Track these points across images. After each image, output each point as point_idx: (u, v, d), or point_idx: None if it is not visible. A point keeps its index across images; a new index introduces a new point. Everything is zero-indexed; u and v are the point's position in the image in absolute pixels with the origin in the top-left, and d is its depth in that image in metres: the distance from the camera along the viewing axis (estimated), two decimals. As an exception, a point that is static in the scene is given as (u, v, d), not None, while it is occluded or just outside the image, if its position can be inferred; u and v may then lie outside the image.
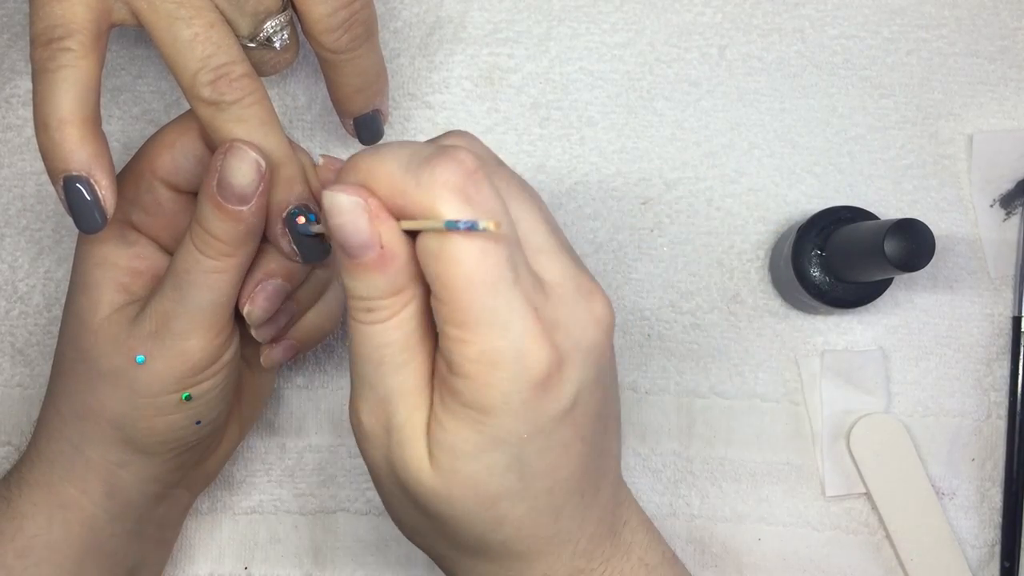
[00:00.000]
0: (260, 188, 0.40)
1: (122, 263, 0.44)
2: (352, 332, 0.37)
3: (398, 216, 0.35)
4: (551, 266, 0.36)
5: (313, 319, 0.47)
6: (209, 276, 0.42)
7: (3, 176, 0.55)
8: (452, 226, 0.33)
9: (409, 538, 0.42)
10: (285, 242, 0.42)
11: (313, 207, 0.42)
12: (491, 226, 0.32)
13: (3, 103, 0.55)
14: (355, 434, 0.39)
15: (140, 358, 0.43)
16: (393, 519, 0.42)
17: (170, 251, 0.45)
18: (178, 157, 0.44)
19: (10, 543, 0.44)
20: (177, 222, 0.45)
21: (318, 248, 0.43)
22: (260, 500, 0.54)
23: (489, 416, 0.35)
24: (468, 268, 0.34)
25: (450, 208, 0.33)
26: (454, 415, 0.36)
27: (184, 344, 0.42)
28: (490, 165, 0.36)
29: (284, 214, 0.42)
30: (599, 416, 0.38)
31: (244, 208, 0.40)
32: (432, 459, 0.36)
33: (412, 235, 0.35)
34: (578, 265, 0.38)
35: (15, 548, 0.44)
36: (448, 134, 0.38)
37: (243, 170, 0.40)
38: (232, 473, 0.54)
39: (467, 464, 0.36)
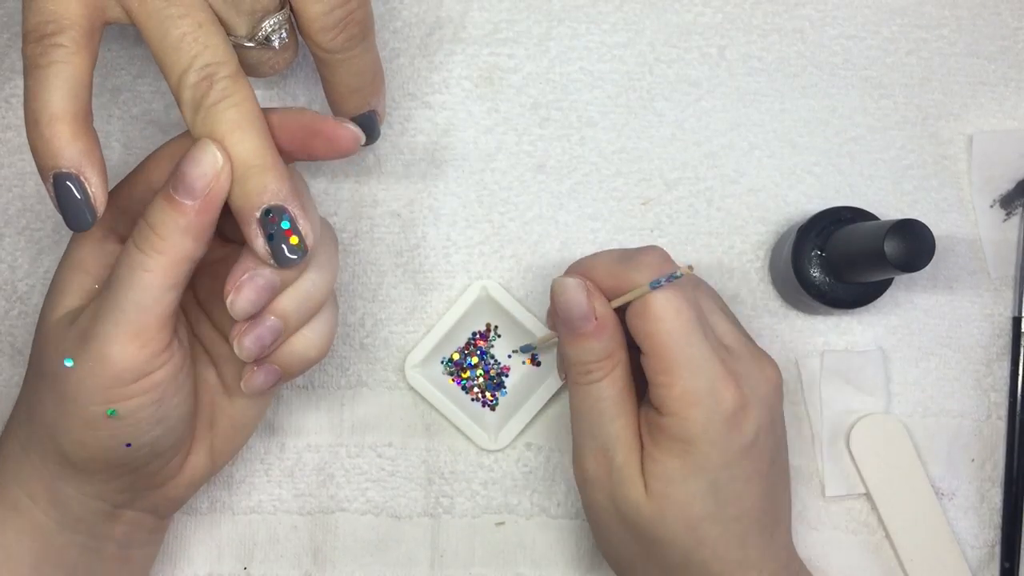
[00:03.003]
0: (210, 188, 0.39)
1: (93, 269, 0.44)
2: (574, 393, 0.47)
3: (609, 297, 0.45)
4: (733, 339, 0.47)
5: (299, 344, 0.45)
6: (135, 272, 0.40)
7: (3, 176, 0.55)
8: (656, 284, 0.43)
9: (617, 571, 0.50)
10: (259, 243, 0.41)
11: (291, 211, 0.41)
12: (685, 269, 0.42)
13: (3, 103, 0.55)
14: (579, 482, 0.48)
15: (68, 361, 0.41)
16: (606, 555, 0.50)
17: None
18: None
19: None
20: None
21: (292, 249, 0.41)
22: (259, 500, 0.54)
23: (692, 445, 0.44)
24: (668, 323, 0.44)
25: (652, 276, 0.43)
26: (663, 448, 0.45)
27: (106, 348, 0.40)
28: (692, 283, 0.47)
29: (258, 213, 0.40)
30: (773, 460, 0.46)
31: (188, 202, 0.39)
32: (648, 489, 0.45)
33: (618, 313, 0.45)
34: (749, 339, 0.48)
35: None
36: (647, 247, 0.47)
37: (199, 161, 0.39)
38: (231, 473, 0.54)
39: (676, 489, 0.44)
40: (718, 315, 0.47)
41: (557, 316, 0.46)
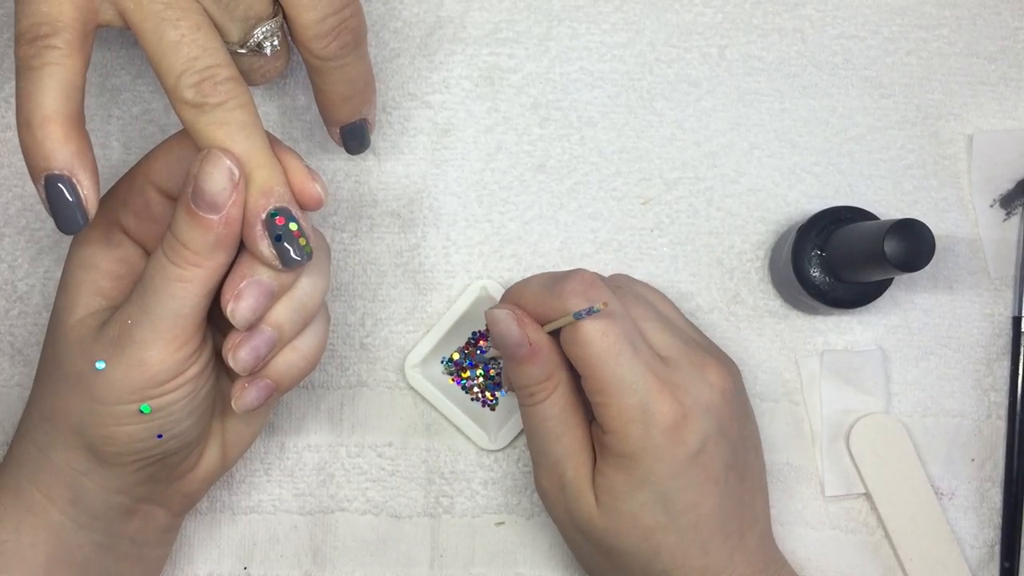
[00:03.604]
0: (232, 198, 0.40)
1: (103, 266, 0.44)
2: (523, 415, 0.48)
3: (542, 323, 0.47)
4: (669, 349, 0.47)
5: (292, 355, 0.45)
6: (173, 284, 0.41)
7: (3, 176, 0.55)
8: (578, 316, 0.44)
9: None
10: (264, 245, 0.41)
11: (295, 211, 0.41)
12: (601, 305, 0.44)
13: (3, 103, 0.55)
14: (541, 498, 0.49)
15: (100, 364, 0.42)
16: (581, 565, 0.50)
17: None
18: (172, 162, 0.44)
19: None
20: (166, 229, 0.44)
21: (299, 251, 0.41)
22: (259, 500, 0.54)
23: (634, 460, 0.45)
24: (595, 345, 0.44)
25: (576, 305, 0.45)
26: (610, 464, 0.46)
27: (143, 354, 0.41)
28: (610, 283, 0.49)
29: (263, 215, 0.40)
30: (729, 466, 0.46)
31: (215, 217, 0.40)
32: (599, 503, 0.46)
33: (555, 335, 0.46)
34: (692, 346, 0.47)
35: None
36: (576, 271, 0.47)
37: (215, 177, 0.39)
38: (231, 473, 0.54)
39: (624, 502, 0.45)
40: (654, 326, 0.48)
41: (496, 344, 0.47)
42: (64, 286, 0.44)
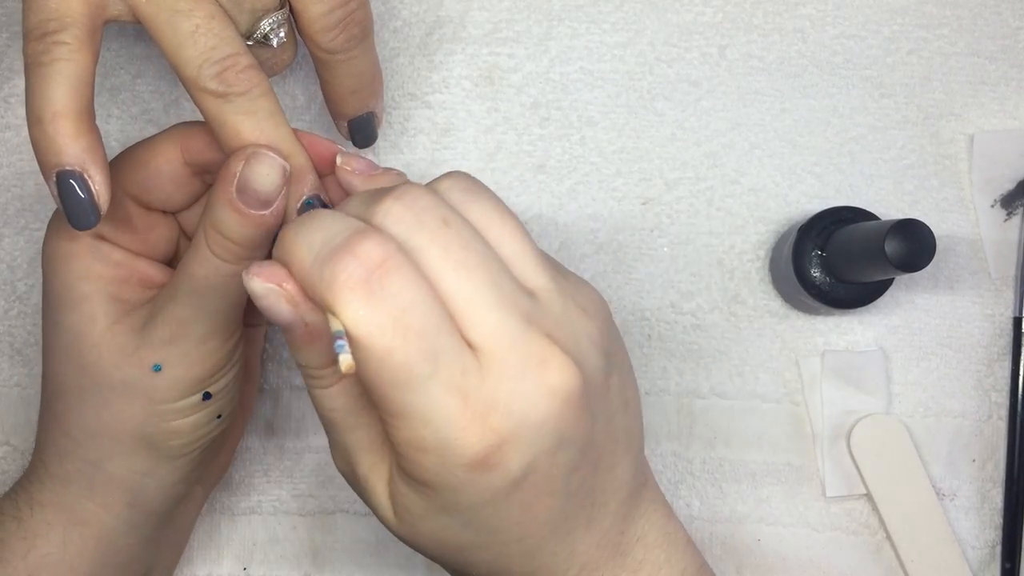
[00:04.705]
0: (283, 191, 0.40)
1: (106, 274, 0.44)
2: (308, 390, 0.39)
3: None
4: (494, 339, 0.34)
5: None
6: (227, 279, 0.41)
7: (2, 176, 0.55)
8: (338, 339, 0.33)
9: None
10: None
11: (325, 196, 0.42)
12: (343, 367, 0.33)
13: (2, 103, 0.55)
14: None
15: (156, 366, 0.42)
16: None
17: (144, 257, 0.45)
18: (151, 177, 0.44)
19: (22, 561, 0.44)
20: (147, 237, 0.45)
21: None
22: (259, 501, 0.54)
23: (432, 490, 0.36)
24: (375, 369, 0.33)
25: (349, 310, 0.33)
26: (405, 482, 0.37)
27: (203, 348, 0.42)
28: (426, 232, 0.35)
29: (299, 204, 0.41)
30: (575, 468, 0.37)
31: (266, 212, 0.40)
32: (395, 513, 0.38)
33: None
34: (531, 330, 0.35)
35: (27, 566, 0.44)
36: (392, 192, 0.36)
37: (271, 176, 0.40)
38: (231, 474, 0.54)
39: (423, 523, 0.37)
40: (484, 304, 0.34)
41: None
42: (71, 301, 0.43)
